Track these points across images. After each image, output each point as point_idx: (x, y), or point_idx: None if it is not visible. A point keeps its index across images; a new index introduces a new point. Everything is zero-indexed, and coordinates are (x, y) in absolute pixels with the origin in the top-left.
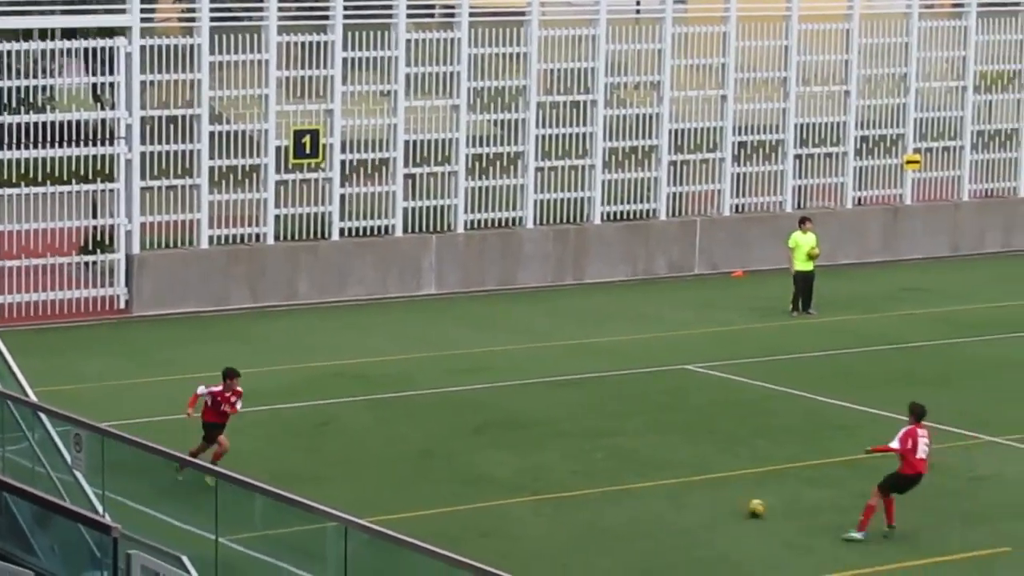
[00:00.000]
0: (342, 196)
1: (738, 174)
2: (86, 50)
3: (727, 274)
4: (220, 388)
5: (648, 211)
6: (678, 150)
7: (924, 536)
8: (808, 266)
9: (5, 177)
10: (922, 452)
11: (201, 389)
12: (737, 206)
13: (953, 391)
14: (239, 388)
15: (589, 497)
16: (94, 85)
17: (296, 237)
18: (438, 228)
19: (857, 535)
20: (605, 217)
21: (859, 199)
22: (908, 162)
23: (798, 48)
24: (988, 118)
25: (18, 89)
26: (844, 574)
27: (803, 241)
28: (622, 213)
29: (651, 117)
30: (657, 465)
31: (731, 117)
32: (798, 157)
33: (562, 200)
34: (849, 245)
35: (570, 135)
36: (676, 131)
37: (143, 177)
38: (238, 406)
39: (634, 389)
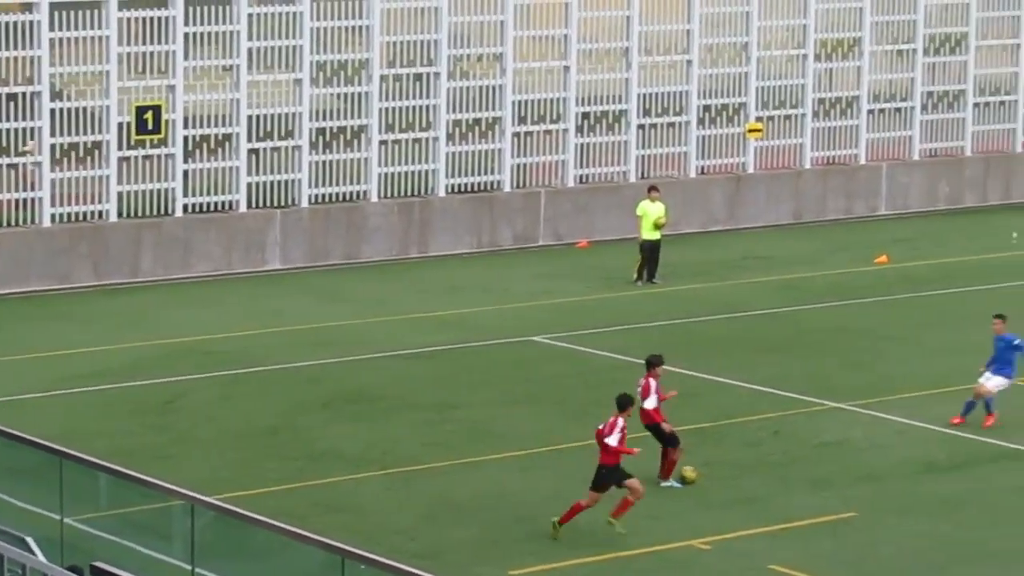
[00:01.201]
0: (185, 172)
1: (582, 144)
2: None
3: (572, 245)
4: (652, 383)
5: (492, 183)
6: (522, 121)
7: (772, 502)
8: (655, 235)
9: None
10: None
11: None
12: (581, 176)
13: (798, 358)
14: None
15: (438, 470)
16: None
17: (139, 214)
18: (282, 203)
19: (668, 483)
20: (449, 189)
21: (702, 168)
22: (750, 130)
23: (640, 18)
24: (829, 86)
25: None
26: (695, 541)
27: (651, 210)
28: (466, 185)
29: (494, 89)
30: (506, 436)
31: (574, 88)
32: (641, 127)
33: (406, 173)
34: (693, 214)
35: (414, 108)
36: (520, 102)
37: None
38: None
39: (482, 361)
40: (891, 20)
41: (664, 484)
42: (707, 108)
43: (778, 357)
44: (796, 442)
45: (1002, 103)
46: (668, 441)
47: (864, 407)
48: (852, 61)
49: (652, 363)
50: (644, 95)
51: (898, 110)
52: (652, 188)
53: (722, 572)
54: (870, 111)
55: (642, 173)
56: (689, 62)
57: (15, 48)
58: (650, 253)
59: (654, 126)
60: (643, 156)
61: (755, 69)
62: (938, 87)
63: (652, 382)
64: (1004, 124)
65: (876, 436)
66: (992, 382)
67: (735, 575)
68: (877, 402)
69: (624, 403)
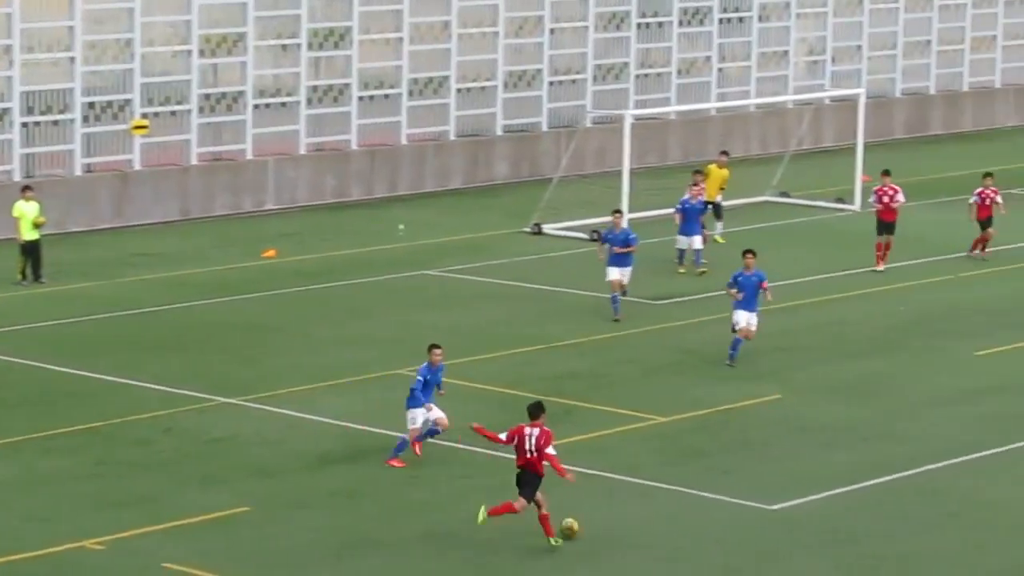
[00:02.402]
0: None
1: None
2: None
3: None
4: None
5: None
6: None
7: (165, 500)
8: (35, 235)
9: None
10: None
11: None
12: None
13: (187, 354)
14: None
15: None
16: None
17: None
18: None
19: None
20: None
21: (88, 166)
22: (136, 127)
23: (20, 15)
24: (214, 81)
25: None
26: (87, 541)
27: (27, 210)
28: None
29: None
30: None
31: None
32: (25, 125)
33: None
34: (79, 212)
35: None
36: None
37: None
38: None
39: None
40: (275, 15)
41: None
42: (92, 105)
43: (168, 354)
44: (187, 439)
45: (386, 96)
46: None
47: (255, 402)
48: (237, 57)
49: None
50: (27, 93)
51: (283, 105)
52: (26, 188)
53: (115, 572)
54: (256, 106)
55: (27, 172)
56: (72, 59)
57: None
58: (32, 253)
59: (38, 124)
60: (27, 155)
61: (139, 66)
62: (323, 81)
63: None
64: (389, 117)
65: (267, 431)
66: (434, 413)
67: (128, 574)
68: (268, 396)
69: (536, 412)
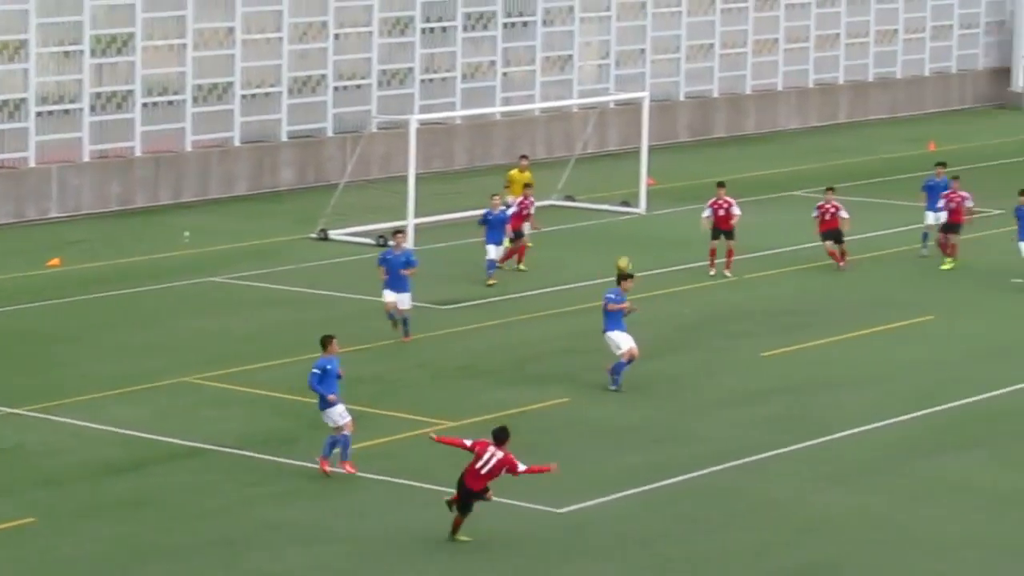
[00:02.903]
0: None
1: None
2: None
3: None
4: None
5: None
6: None
7: None
8: None
9: None
10: None
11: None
12: None
13: None
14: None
15: None
16: None
17: None
18: None
19: None
20: None
21: None
22: None
23: None
24: None
25: None
26: None
27: None
28: None
29: None
30: None
31: None
32: None
33: None
34: None
35: None
36: None
37: None
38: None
39: None
40: (57, 22)
41: None
42: None
43: None
44: None
45: (170, 103)
46: None
47: (40, 411)
48: (19, 63)
49: None
50: None
51: (67, 112)
52: None
53: None
54: (38, 113)
55: None
56: None
57: None
58: None
59: None
60: None
61: None
62: (106, 88)
63: None
64: (173, 124)
65: (53, 440)
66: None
67: None
68: (54, 405)
69: (503, 436)
